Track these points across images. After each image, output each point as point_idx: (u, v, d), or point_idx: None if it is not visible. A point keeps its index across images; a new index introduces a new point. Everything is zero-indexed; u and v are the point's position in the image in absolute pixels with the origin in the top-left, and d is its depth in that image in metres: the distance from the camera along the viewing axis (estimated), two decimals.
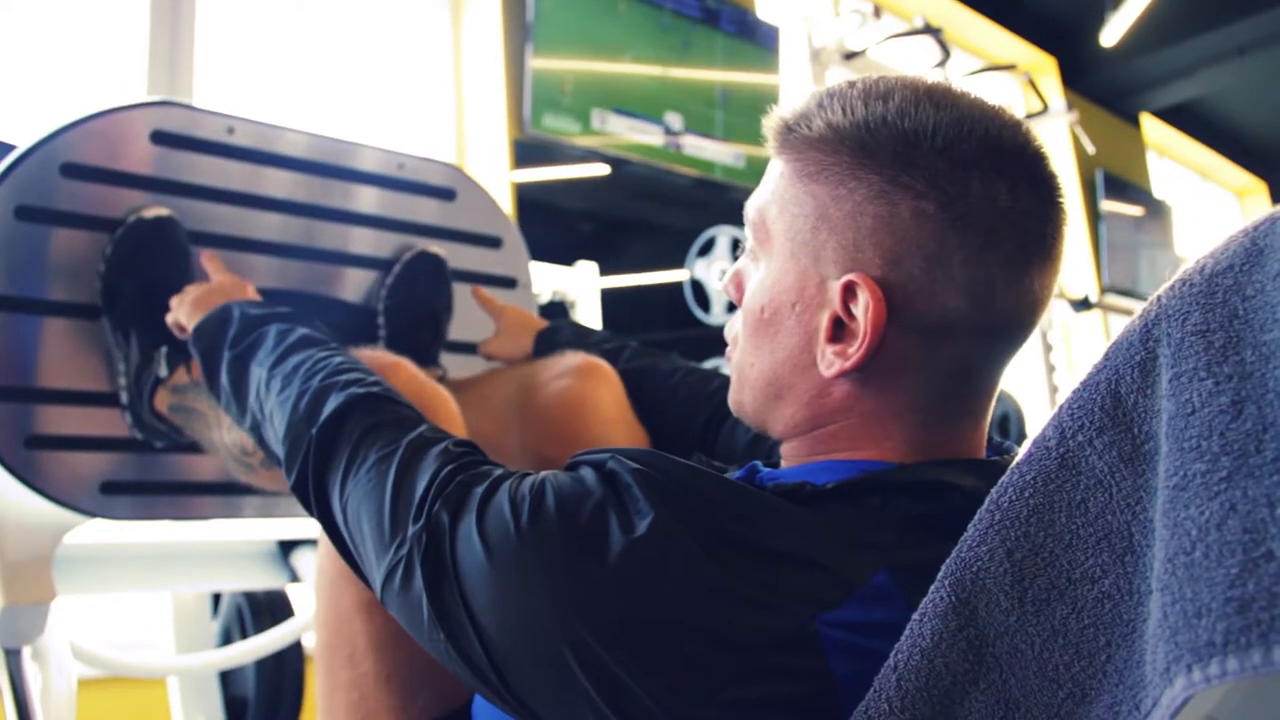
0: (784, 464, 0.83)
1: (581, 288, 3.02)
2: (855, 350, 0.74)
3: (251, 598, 1.96)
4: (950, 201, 0.72)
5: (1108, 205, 5.56)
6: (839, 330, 0.76)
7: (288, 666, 1.95)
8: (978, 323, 0.75)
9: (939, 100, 0.75)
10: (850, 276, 0.74)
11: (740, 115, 3.68)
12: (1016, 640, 0.57)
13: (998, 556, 0.58)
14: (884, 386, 0.76)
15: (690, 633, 0.63)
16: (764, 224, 0.80)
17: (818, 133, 0.77)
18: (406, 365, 1.08)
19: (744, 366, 0.83)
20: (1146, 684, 0.51)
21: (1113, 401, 0.57)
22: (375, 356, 1.09)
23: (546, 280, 2.93)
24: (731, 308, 0.87)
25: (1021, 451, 0.61)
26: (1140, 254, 5.77)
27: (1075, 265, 5.27)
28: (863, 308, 0.73)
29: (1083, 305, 3.73)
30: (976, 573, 0.58)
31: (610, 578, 0.65)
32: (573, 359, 1.26)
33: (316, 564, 1.04)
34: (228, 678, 2.03)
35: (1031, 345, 3.61)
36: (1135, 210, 5.83)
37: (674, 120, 3.52)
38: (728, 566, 0.65)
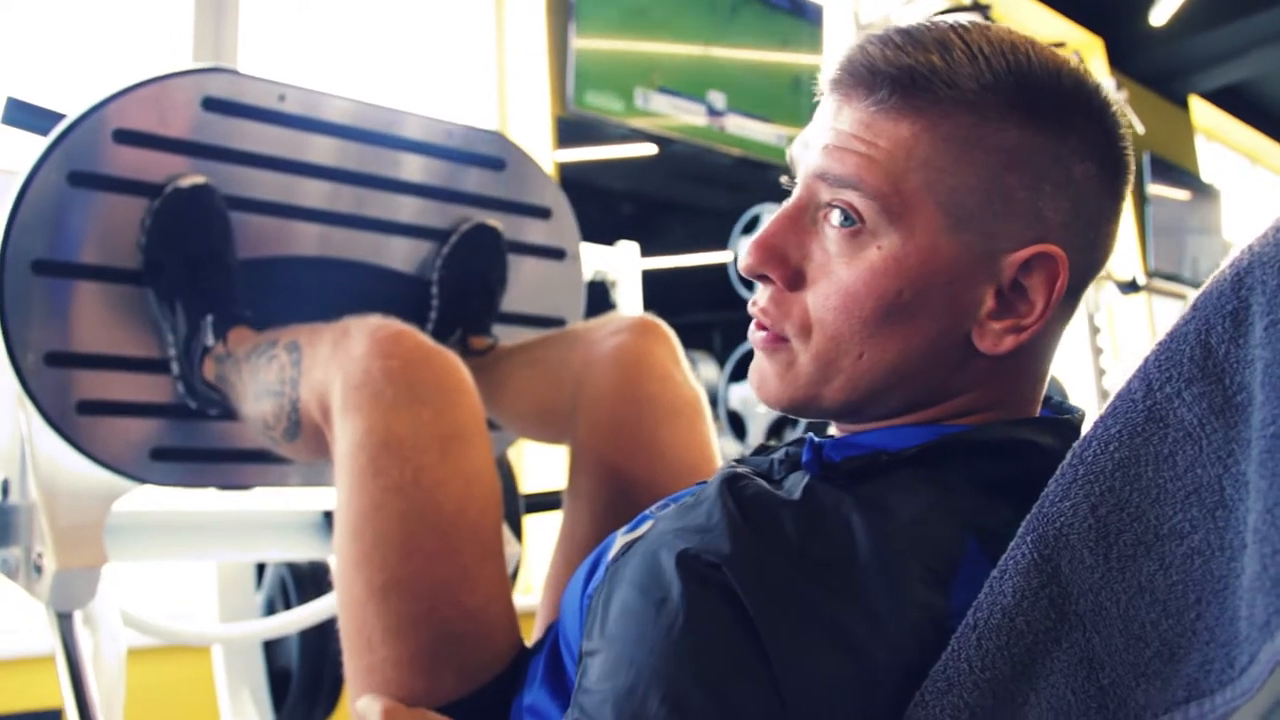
0: (839, 429, 0.80)
1: (623, 268, 3.01)
2: (1031, 323, 0.71)
3: (295, 569, 1.97)
4: (1104, 160, 0.72)
5: (1155, 189, 5.49)
6: (1001, 304, 0.72)
7: (331, 638, 1.95)
8: (1096, 275, 0.75)
9: (1043, 49, 0.72)
10: (1039, 248, 0.70)
11: (784, 93, 3.65)
12: (1101, 598, 0.55)
13: (1082, 512, 0.56)
14: (1027, 353, 0.73)
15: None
16: (899, 195, 0.70)
17: (969, 91, 0.69)
18: (411, 333, 1.05)
19: (838, 356, 0.73)
20: (1241, 640, 0.49)
21: (1202, 352, 0.55)
22: (379, 325, 1.06)
23: (588, 260, 2.92)
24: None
25: (1106, 405, 0.59)
26: (1187, 239, 5.69)
27: (1121, 248, 5.21)
28: (1042, 278, 0.70)
29: (1130, 288, 3.67)
30: (1060, 528, 0.56)
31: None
32: (628, 316, 1.24)
33: (334, 548, 1.02)
34: (271, 649, 2.04)
35: (1078, 328, 3.57)
36: (1183, 194, 5.75)
37: (717, 99, 3.50)
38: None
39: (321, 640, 1.94)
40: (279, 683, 2.04)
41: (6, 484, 1.42)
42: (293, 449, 1.19)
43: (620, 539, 0.78)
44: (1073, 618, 0.56)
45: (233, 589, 2.02)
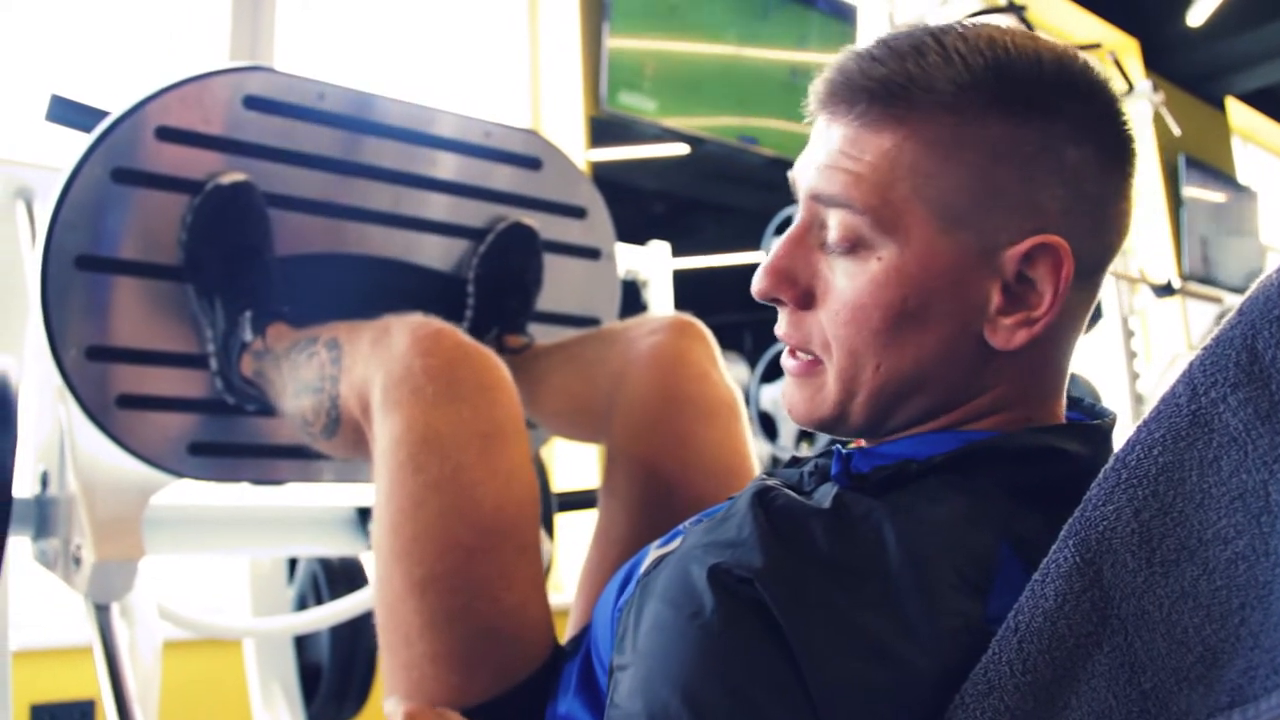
0: (866, 443, 0.80)
1: (654, 268, 3.01)
2: (1041, 315, 0.70)
3: (327, 565, 1.98)
4: (1102, 141, 0.71)
5: (1190, 191, 5.44)
6: (1009, 299, 0.71)
7: (362, 635, 1.96)
8: (1113, 256, 0.74)
9: (1024, 40, 0.72)
10: (1038, 239, 0.70)
11: None
12: (1144, 602, 0.55)
13: (1124, 516, 0.56)
14: (1045, 344, 0.73)
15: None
16: (889, 206, 0.71)
17: (946, 94, 0.70)
18: (452, 332, 1.06)
19: (857, 371, 0.73)
20: None
21: (1249, 357, 0.55)
22: (419, 324, 1.07)
23: (620, 260, 2.92)
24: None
25: (1150, 410, 0.59)
26: (1223, 242, 5.63)
27: (1156, 251, 5.17)
28: (1047, 269, 0.70)
29: (1165, 291, 3.64)
30: (1102, 532, 0.56)
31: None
32: (665, 316, 1.24)
33: (373, 543, 1.03)
34: (303, 644, 2.06)
35: (1111, 331, 3.54)
36: (1218, 196, 5.70)
37: (750, 99, 3.50)
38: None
39: (352, 637, 1.95)
40: (310, 678, 2.06)
41: (46, 476, 1.43)
42: (331, 445, 1.20)
43: (653, 553, 0.78)
44: (1115, 622, 0.56)
45: (265, 584, 2.04)
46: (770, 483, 0.73)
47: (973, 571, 0.66)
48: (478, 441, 1.00)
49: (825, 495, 0.70)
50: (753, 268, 0.79)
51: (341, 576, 1.95)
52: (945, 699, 0.62)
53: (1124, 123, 0.74)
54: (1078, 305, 0.74)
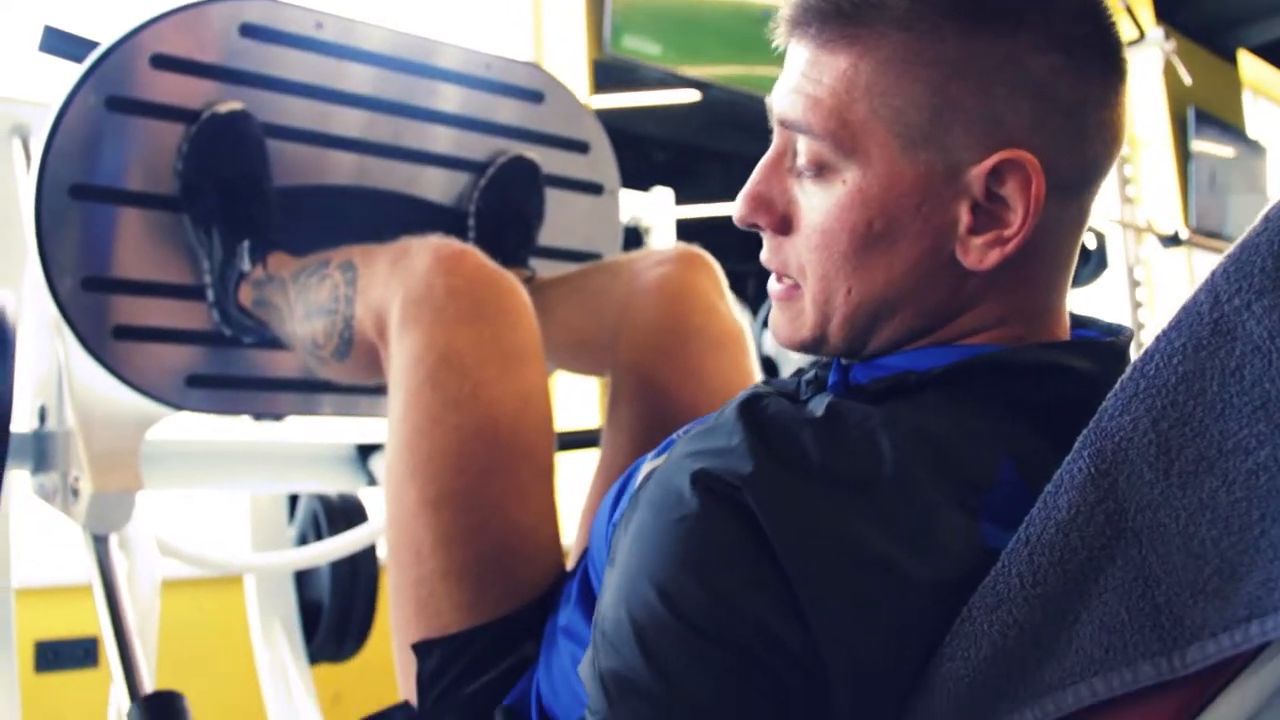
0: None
1: (657, 215, 2.98)
2: (1013, 233, 0.68)
3: (327, 504, 1.98)
4: (1073, 48, 0.68)
5: (1198, 145, 5.39)
6: (979, 218, 0.69)
7: (362, 572, 1.96)
8: (1101, 169, 0.72)
9: None
10: (1002, 155, 0.67)
11: None
12: (1160, 514, 0.54)
13: (1142, 426, 0.54)
14: (1022, 263, 0.71)
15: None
16: (846, 127, 0.70)
17: (898, 9, 0.68)
18: (474, 253, 1.06)
19: (830, 295, 0.73)
20: None
21: (1274, 263, 0.53)
22: (442, 244, 1.06)
23: (622, 204, 2.89)
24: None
25: (1170, 318, 0.57)
26: (1230, 196, 5.59)
27: (1163, 202, 5.13)
28: (1016, 185, 0.68)
29: (1172, 241, 3.62)
30: (1119, 443, 0.55)
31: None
32: (672, 247, 1.23)
33: (385, 461, 1.03)
34: (303, 582, 2.06)
35: (1116, 280, 3.52)
36: (1227, 150, 5.65)
37: (757, 45, 3.45)
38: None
39: (352, 575, 1.96)
40: (310, 616, 2.06)
41: (44, 410, 1.42)
42: (341, 369, 1.19)
43: (646, 466, 0.77)
44: (1129, 534, 0.54)
45: (266, 523, 2.04)
46: (762, 390, 0.72)
47: (971, 487, 0.65)
48: (498, 361, 1.00)
49: (820, 404, 0.69)
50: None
51: (342, 515, 1.94)
52: (944, 613, 0.61)
53: (1102, 25, 0.71)
54: (1062, 221, 0.72)
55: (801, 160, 0.72)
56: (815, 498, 0.62)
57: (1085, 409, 0.61)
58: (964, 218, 0.69)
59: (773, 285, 0.78)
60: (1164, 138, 5.26)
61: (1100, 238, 3.33)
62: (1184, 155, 5.35)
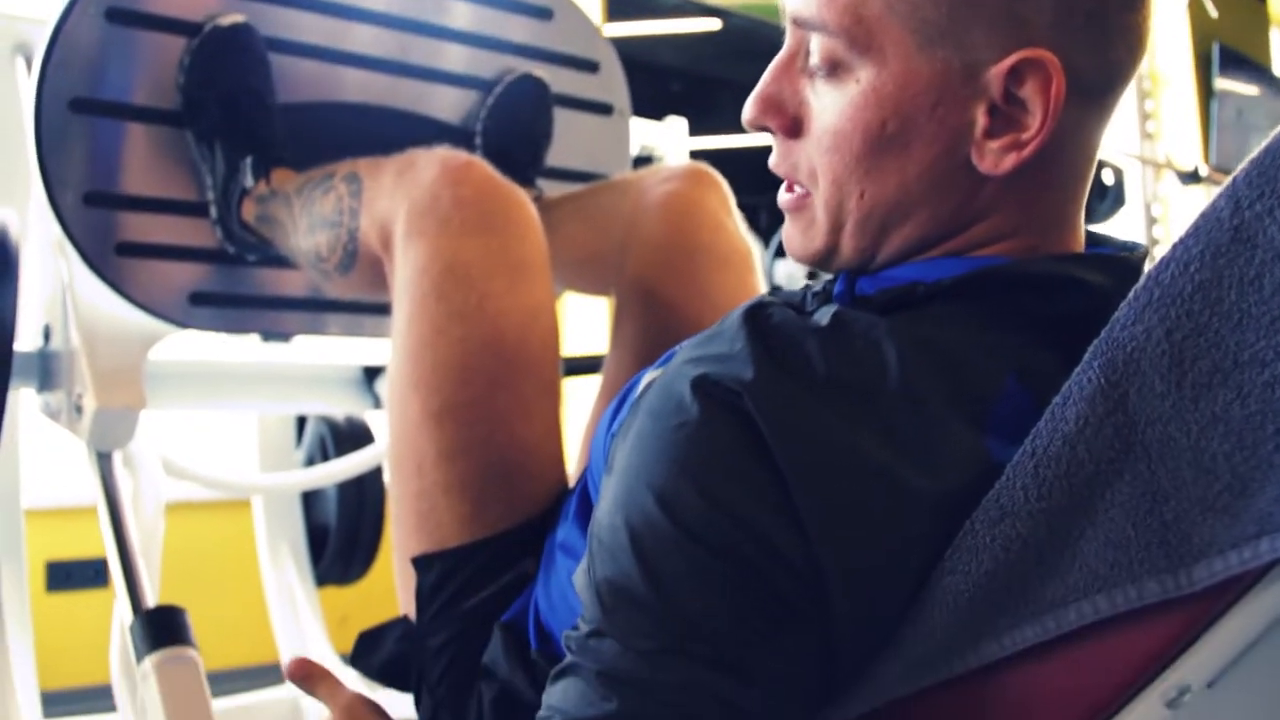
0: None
1: (670, 144, 2.94)
2: (1031, 137, 0.66)
3: (334, 427, 1.98)
4: None
5: (1222, 83, 5.29)
6: (996, 120, 0.67)
7: (368, 496, 1.97)
8: (1124, 75, 0.69)
9: None
10: (1022, 54, 0.65)
11: None
12: (1170, 428, 0.52)
13: (1155, 336, 0.53)
14: (1039, 170, 0.68)
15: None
16: (862, 24, 0.67)
17: None
18: (482, 165, 1.04)
19: (842, 200, 0.71)
20: None
21: None
22: (449, 155, 1.04)
23: (633, 134, 2.86)
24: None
25: (1188, 226, 0.55)
26: (1252, 136, 5.50)
27: (1183, 138, 5.05)
28: (1036, 87, 0.65)
29: (1191, 178, 3.56)
30: (1130, 353, 0.53)
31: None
32: (680, 165, 1.21)
33: (388, 374, 1.01)
34: (310, 506, 2.06)
35: (1133, 216, 3.47)
36: (1252, 89, 5.55)
37: None
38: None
39: (359, 498, 1.96)
40: (317, 540, 2.07)
41: (48, 329, 1.42)
42: (345, 283, 1.18)
43: (647, 376, 0.76)
44: (1138, 449, 0.53)
45: (273, 446, 2.04)
46: (767, 300, 0.70)
47: (976, 399, 0.63)
48: (505, 273, 0.98)
49: (825, 315, 0.67)
50: (769, 150, 0.76)
51: (349, 438, 1.94)
52: (946, 526, 0.60)
53: None
54: (1082, 128, 0.69)
55: (814, 59, 0.70)
56: (817, 406, 0.60)
57: (1096, 323, 0.59)
58: (980, 120, 0.67)
59: (782, 196, 0.75)
60: (1187, 74, 5.17)
61: (1118, 173, 3.28)
62: (1206, 92, 5.25)
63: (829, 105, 0.70)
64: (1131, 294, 0.55)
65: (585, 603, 0.64)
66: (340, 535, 1.97)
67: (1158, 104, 4.76)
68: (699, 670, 0.58)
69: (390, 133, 1.39)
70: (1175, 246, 0.54)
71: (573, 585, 0.68)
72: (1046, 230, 0.71)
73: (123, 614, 1.22)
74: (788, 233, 0.76)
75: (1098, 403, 0.54)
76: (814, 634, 0.60)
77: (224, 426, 2.45)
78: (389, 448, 1.01)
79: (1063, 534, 0.55)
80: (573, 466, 1.07)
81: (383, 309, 1.41)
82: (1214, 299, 0.52)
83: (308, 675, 0.94)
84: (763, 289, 1.17)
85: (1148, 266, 0.58)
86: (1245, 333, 0.51)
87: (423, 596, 0.94)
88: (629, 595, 0.60)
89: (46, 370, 1.42)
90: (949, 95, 0.67)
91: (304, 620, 2.03)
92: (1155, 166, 3.61)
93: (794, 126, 0.72)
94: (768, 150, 0.77)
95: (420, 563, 0.95)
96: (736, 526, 0.58)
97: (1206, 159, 5.01)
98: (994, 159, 0.67)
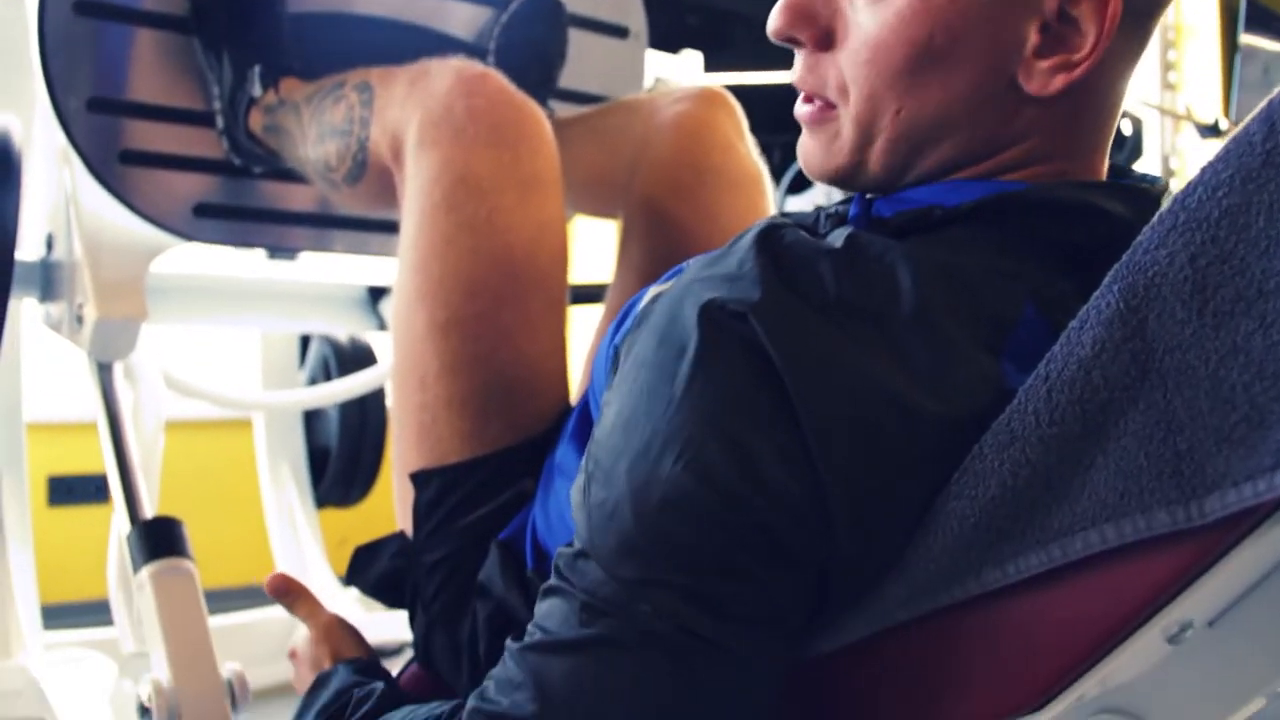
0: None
1: (684, 78, 2.91)
2: (1083, 57, 0.64)
3: (338, 349, 1.97)
4: None
5: (1248, 39, 5.21)
6: (1047, 39, 0.65)
7: (370, 418, 1.96)
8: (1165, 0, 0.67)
9: None
10: None
11: None
12: (1189, 356, 0.51)
13: (1179, 261, 0.51)
14: (1081, 94, 0.66)
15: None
16: None
17: None
18: (496, 76, 1.02)
19: (876, 115, 0.68)
20: None
21: None
22: (464, 65, 1.03)
23: (647, 65, 2.82)
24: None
25: (1218, 150, 0.53)
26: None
27: (1205, 93, 4.98)
28: (1092, 7, 0.63)
29: (1211, 132, 3.51)
30: (1151, 278, 0.52)
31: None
32: (692, 85, 1.18)
33: (394, 286, 1.00)
34: (311, 428, 2.06)
35: (1150, 167, 3.43)
36: (1277, 47, 5.47)
37: None
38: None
39: (361, 420, 1.96)
40: (317, 462, 2.07)
41: (51, 239, 1.41)
42: (352, 194, 1.17)
43: (653, 290, 0.74)
44: (1155, 376, 0.51)
45: (276, 366, 2.03)
46: (780, 220, 0.68)
47: (991, 325, 0.62)
48: (516, 187, 0.97)
49: (839, 236, 0.65)
50: (785, 88, 0.73)
51: (352, 360, 1.94)
52: (957, 451, 0.58)
53: None
54: (1124, 52, 0.67)
55: None
56: (827, 328, 0.59)
57: (1115, 253, 0.58)
58: (1032, 37, 0.64)
59: (801, 108, 0.73)
60: (1212, 27, 5.09)
61: (1137, 123, 3.23)
62: (1231, 47, 5.17)
63: (870, 16, 0.67)
64: (1156, 218, 0.54)
65: (577, 521, 0.63)
66: (341, 457, 1.97)
67: (1180, 55, 4.69)
68: (676, 603, 0.58)
69: (402, 47, 1.37)
70: (1204, 170, 0.52)
71: (570, 504, 0.67)
72: (1075, 158, 0.69)
73: (120, 526, 1.23)
74: (807, 147, 0.73)
75: (1115, 327, 0.52)
76: (806, 574, 0.59)
77: (227, 347, 2.44)
78: (393, 361, 1.00)
79: (1072, 461, 0.53)
80: (575, 391, 1.06)
81: (389, 227, 1.40)
82: (1241, 225, 0.50)
83: (288, 592, 0.95)
84: (773, 213, 1.15)
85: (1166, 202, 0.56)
86: (1273, 261, 0.49)
87: (420, 512, 0.94)
88: (618, 523, 0.59)
89: (48, 280, 1.42)
90: (1001, 10, 0.64)
91: (303, 541, 2.04)
92: (1175, 118, 3.56)
93: (825, 38, 0.69)
94: (783, 88, 0.74)
95: (419, 478, 0.94)
96: (737, 465, 0.57)
97: (1227, 113, 4.94)
98: (1042, 80, 0.65)
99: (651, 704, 0.59)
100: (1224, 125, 3.58)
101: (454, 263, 0.95)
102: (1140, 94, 3.66)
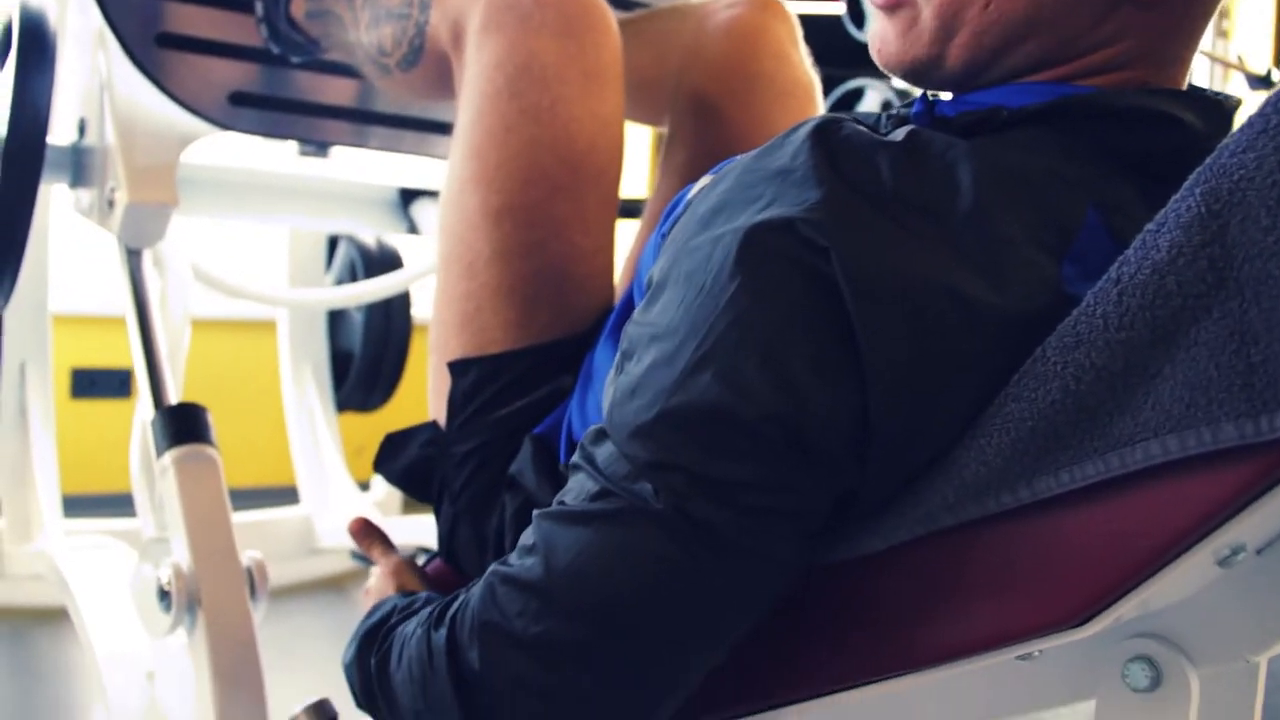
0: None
1: None
2: None
3: (365, 253, 1.96)
4: None
5: None
6: None
7: (394, 324, 1.95)
8: None
9: None
10: None
11: None
12: (1270, 265, 0.48)
13: (1267, 166, 0.49)
14: (1177, 2, 0.64)
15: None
16: None
17: None
18: None
19: (963, 8, 0.66)
20: None
21: None
22: None
23: None
24: None
25: None
26: None
27: (1257, 41, 4.88)
28: None
29: (1261, 83, 3.43)
30: (1237, 181, 0.49)
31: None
32: None
33: (447, 169, 0.98)
34: (335, 331, 2.05)
35: None
36: None
37: None
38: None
39: (385, 325, 1.95)
40: (340, 367, 2.07)
41: (84, 123, 1.39)
42: (406, 79, 1.14)
43: (702, 181, 0.72)
44: (1232, 284, 0.49)
45: (303, 266, 2.02)
46: (837, 115, 0.66)
47: (1052, 229, 0.60)
48: (580, 79, 0.95)
49: (901, 133, 0.63)
50: (835, 20, 0.69)
51: (379, 264, 1.92)
52: (1011, 350, 0.57)
53: None
54: None
55: None
56: (885, 223, 0.57)
57: (1184, 163, 0.56)
58: None
59: None
60: None
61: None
62: None
63: None
64: (1246, 120, 0.51)
65: (604, 397, 0.63)
66: (364, 360, 1.96)
67: (1234, 1, 4.58)
68: (685, 487, 0.58)
69: None
70: None
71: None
72: (1161, 67, 0.67)
73: (145, 412, 1.22)
74: (881, 34, 0.70)
75: (1194, 231, 0.50)
76: (831, 482, 0.58)
77: (255, 249, 2.43)
78: (439, 246, 0.99)
79: (1139, 368, 0.52)
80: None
81: (425, 125, 1.37)
82: None
83: (368, 534, 0.97)
84: None
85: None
86: None
87: (455, 402, 0.93)
88: (638, 407, 0.59)
89: (79, 165, 1.40)
90: None
91: (322, 444, 2.04)
92: (1225, 66, 3.49)
93: None
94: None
95: (458, 367, 0.93)
96: (773, 381, 0.56)
97: (1278, 64, 4.84)
98: None
99: (647, 582, 0.59)
100: (1276, 76, 3.50)
101: (514, 150, 0.93)
102: None
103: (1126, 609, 0.57)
